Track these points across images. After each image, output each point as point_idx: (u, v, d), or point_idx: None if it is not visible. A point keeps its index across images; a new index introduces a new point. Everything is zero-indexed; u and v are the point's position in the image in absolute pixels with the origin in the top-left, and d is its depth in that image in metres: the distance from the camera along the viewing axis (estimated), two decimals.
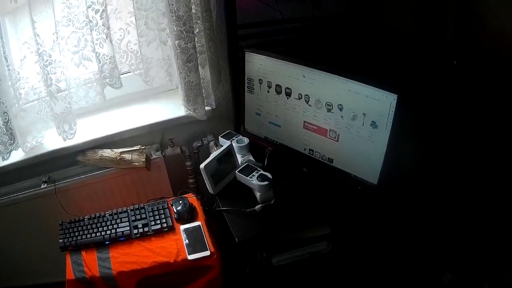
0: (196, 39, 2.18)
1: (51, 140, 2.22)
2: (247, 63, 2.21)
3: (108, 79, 2.14)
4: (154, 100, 2.53)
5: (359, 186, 2.03)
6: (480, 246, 2.20)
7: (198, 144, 2.51)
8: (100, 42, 2.04)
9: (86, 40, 2.03)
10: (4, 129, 2.01)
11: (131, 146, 2.32)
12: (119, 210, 2.10)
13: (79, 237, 1.98)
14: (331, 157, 2.10)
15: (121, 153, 2.26)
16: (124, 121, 2.36)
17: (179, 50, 2.12)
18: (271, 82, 2.15)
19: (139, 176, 2.36)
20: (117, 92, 2.28)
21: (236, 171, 2.09)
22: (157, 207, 2.11)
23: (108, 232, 2.00)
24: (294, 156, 2.24)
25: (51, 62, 1.98)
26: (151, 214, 2.08)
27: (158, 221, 2.04)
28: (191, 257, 1.92)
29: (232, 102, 2.46)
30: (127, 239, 2.00)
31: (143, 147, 2.32)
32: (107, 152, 2.27)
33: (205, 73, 2.34)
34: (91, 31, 2.00)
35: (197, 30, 2.19)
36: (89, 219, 2.07)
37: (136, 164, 2.25)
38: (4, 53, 1.90)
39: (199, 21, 2.18)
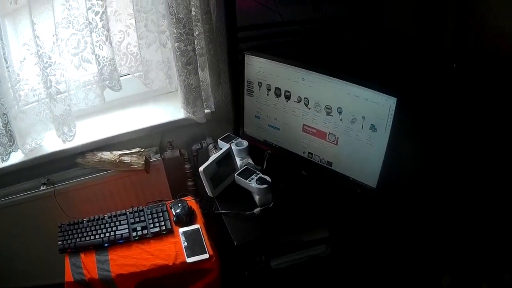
0: (195, 42, 2.18)
1: (50, 142, 2.22)
2: (247, 66, 2.21)
3: (107, 81, 2.14)
4: (154, 103, 2.53)
5: (358, 189, 2.03)
6: (478, 248, 2.20)
7: (197, 147, 2.51)
8: (100, 44, 2.03)
9: (86, 42, 2.03)
10: (4, 131, 2.01)
11: (130, 148, 2.32)
12: (118, 212, 2.10)
13: (78, 240, 1.98)
14: (330, 161, 2.10)
15: (120, 155, 2.26)
16: (123, 124, 2.36)
17: (178, 53, 2.12)
18: (271, 85, 2.15)
19: (138, 179, 2.36)
20: (116, 95, 2.28)
21: (235, 174, 2.09)
22: (156, 210, 2.11)
23: (107, 234, 2.00)
24: (293, 159, 2.24)
25: (51, 64, 1.97)
26: (150, 216, 2.08)
27: (157, 224, 2.04)
28: (189, 260, 1.91)
29: (232, 105, 2.46)
30: (126, 241, 2.00)
31: (142, 150, 2.32)
32: (106, 155, 2.27)
33: (205, 75, 2.34)
34: (91, 33, 2.00)
35: (196, 33, 2.19)
36: (88, 221, 2.06)
37: (135, 166, 2.25)
38: (4, 54, 1.90)
39: (198, 24, 2.18)
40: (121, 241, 1.99)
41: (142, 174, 2.33)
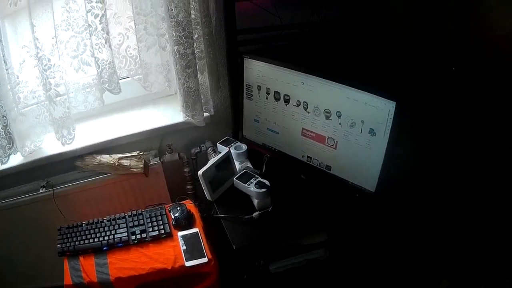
0: (195, 45, 2.18)
1: (49, 145, 2.21)
2: (246, 69, 2.21)
3: (107, 84, 2.14)
4: (153, 106, 2.53)
5: (356, 193, 2.03)
6: (477, 252, 2.20)
7: (196, 151, 2.51)
8: (99, 47, 2.03)
9: (85, 44, 2.02)
10: (3, 133, 2.01)
11: (130, 152, 2.32)
12: (117, 216, 2.10)
13: (77, 243, 1.98)
14: (329, 165, 2.10)
15: (120, 159, 2.26)
16: (122, 127, 2.36)
17: (178, 56, 2.12)
18: (270, 88, 2.16)
19: (137, 182, 2.36)
20: (115, 98, 2.27)
21: (234, 178, 2.09)
22: (155, 213, 2.11)
23: (106, 238, 2.00)
24: (292, 163, 2.24)
25: (50, 66, 1.97)
26: (149, 220, 2.08)
27: (156, 228, 2.04)
28: (188, 263, 1.91)
29: (231, 108, 2.46)
30: (125, 245, 1.99)
31: (141, 153, 2.32)
32: (106, 158, 2.27)
33: (204, 79, 2.34)
34: (90, 35, 2.00)
35: (196, 36, 2.19)
36: (87, 224, 2.06)
37: (134, 170, 2.25)
38: (3, 56, 1.89)
39: (198, 27, 2.17)
40: (120, 245, 1.99)
41: (141, 178, 2.32)
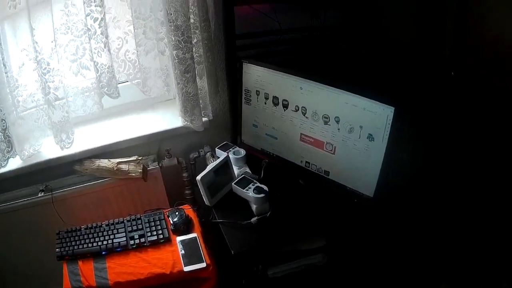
0: (194, 49, 2.18)
1: (48, 149, 2.21)
2: (245, 74, 2.21)
3: (105, 89, 2.13)
4: (152, 110, 2.53)
5: (355, 198, 2.03)
6: (476, 256, 2.20)
7: (195, 155, 2.51)
8: (98, 51, 2.03)
9: (84, 48, 2.02)
10: (2, 136, 2.01)
11: (128, 156, 2.32)
12: (116, 220, 2.10)
13: (76, 247, 1.98)
14: (327, 170, 2.10)
15: (118, 163, 2.26)
16: (121, 131, 2.36)
17: (177, 60, 2.12)
18: (268, 93, 2.16)
19: (136, 187, 2.35)
20: (114, 102, 2.27)
21: (233, 183, 2.09)
22: (153, 218, 2.11)
23: (105, 242, 2.00)
24: (291, 168, 2.24)
25: (49, 70, 1.97)
26: (147, 225, 2.08)
27: (155, 232, 2.04)
28: (187, 268, 1.91)
29: (229, 113, 2.47)
30: (124, 249, 1.99)
31: (140, 158, 2.32)
32: (104, 162, 2.27)
33: (203, 83, 2.34)
34: (89, 39, 1.99)
35: (195, 40, 2.19)
36: (86, 228, 2.07)
37: (133, 174, 2.25)
38: (2, 59, 1.89)
39: (197, 31, 2.18)
40: (118, 249, 1.99)
41: (140, 182, 2.32)
